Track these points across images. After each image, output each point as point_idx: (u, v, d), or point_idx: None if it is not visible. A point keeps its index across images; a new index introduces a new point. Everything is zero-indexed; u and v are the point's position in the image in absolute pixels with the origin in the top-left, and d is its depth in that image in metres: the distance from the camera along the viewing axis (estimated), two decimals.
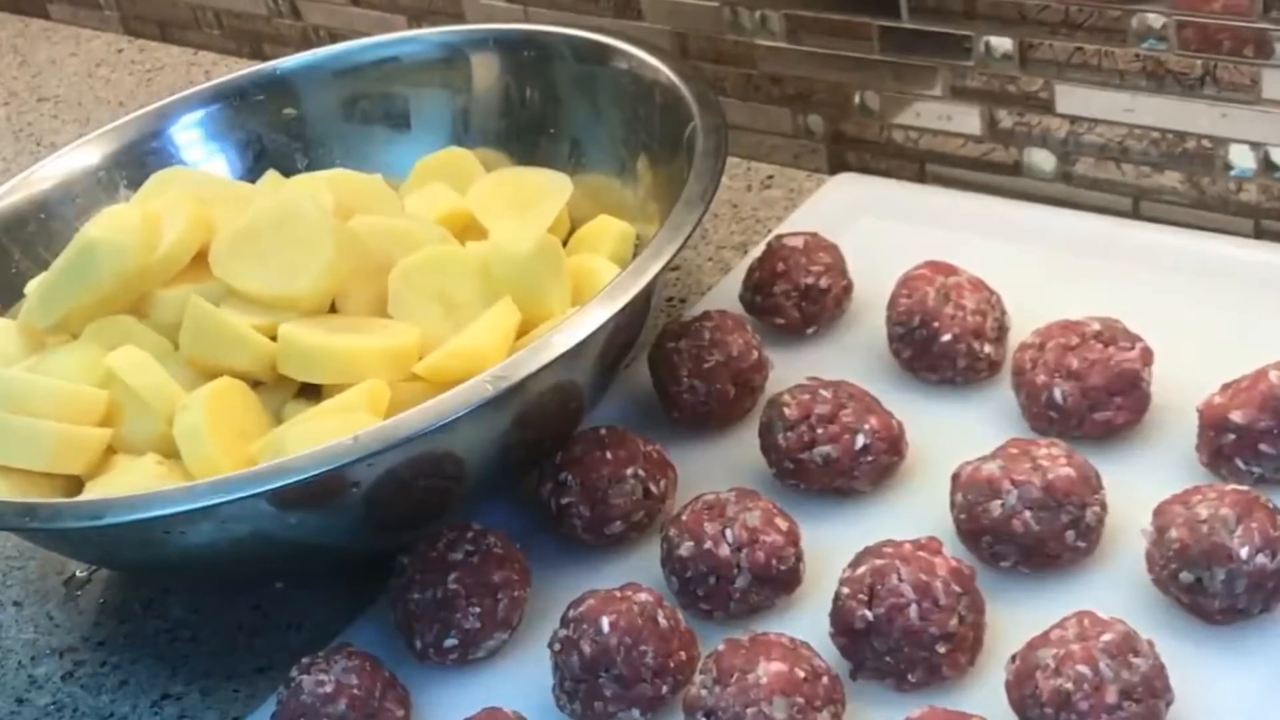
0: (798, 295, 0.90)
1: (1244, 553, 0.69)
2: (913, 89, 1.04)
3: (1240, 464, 0.75)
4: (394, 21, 1.28)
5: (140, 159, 1.02)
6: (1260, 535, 0.69)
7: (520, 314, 0.85)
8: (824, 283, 0.90)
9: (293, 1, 1.35)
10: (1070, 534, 0.74)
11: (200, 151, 1.05)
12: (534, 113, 1.03)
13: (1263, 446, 0.75)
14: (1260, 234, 0.96)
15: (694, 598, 0.77)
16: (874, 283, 0.91)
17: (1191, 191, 0.97)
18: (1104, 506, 0.75)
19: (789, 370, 0.86)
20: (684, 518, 0.77)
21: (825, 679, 0.69)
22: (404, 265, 0.87)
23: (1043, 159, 1.01)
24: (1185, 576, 0.70)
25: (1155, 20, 0.92)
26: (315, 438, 0.75)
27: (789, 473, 0.81)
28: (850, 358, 0.89)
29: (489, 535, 0.79)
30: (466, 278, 0.87)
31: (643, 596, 0.73)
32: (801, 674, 0.68)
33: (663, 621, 0.72)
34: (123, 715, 0.83)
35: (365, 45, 1.08)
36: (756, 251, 0.94)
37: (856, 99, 1.07)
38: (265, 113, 1.05)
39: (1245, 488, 0.72)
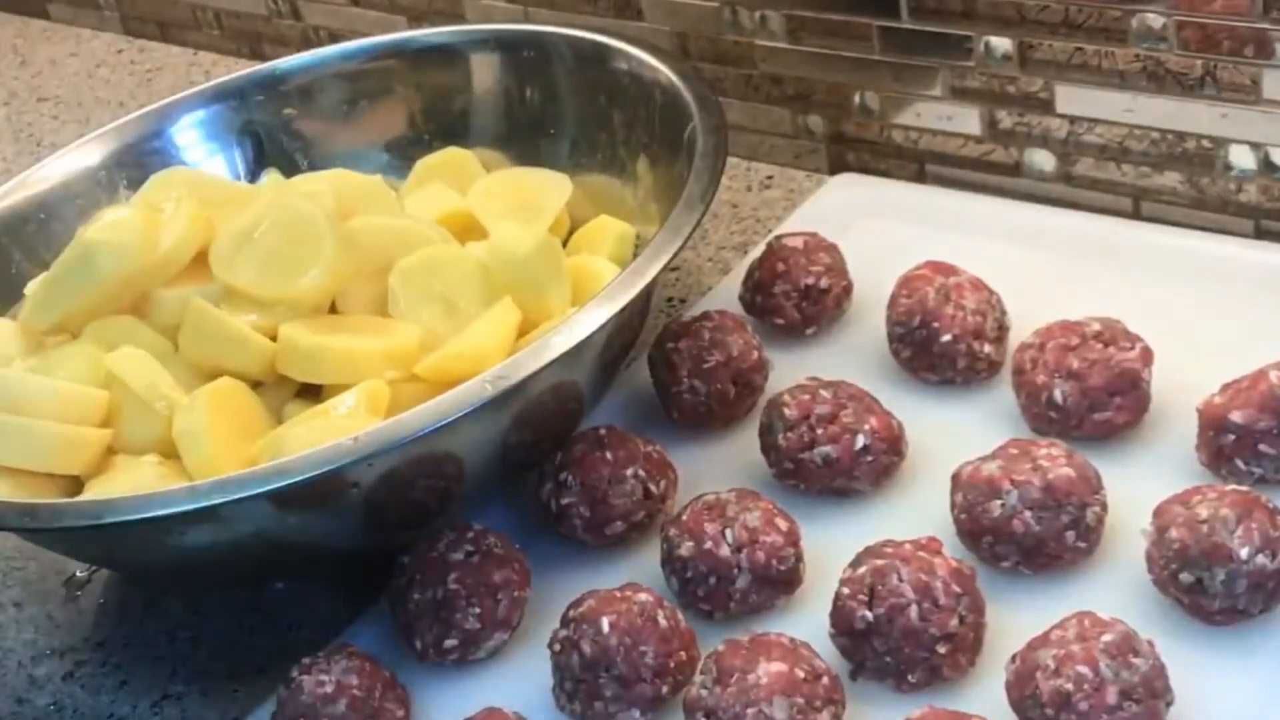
0: (798, 295, 0.90)
1: (1244, 553, 0.69)
2: (913, 89, 1.04)
3: (1240, 464, 0.75)
4: (394, 21, 1.28)
5: (140, 159, 1.02)
6: (1260, 535, 0.69)
7: (520, 314, 0.85)
8: (824, 283, 0.91)
9: (293, 2, 1.35)
10: (1070, 534, 0.74)
11: (200, 151, 1.05)
12: (534, 113, 1.03)
13: (1263, 447, 0.75)
14: (1260, 234, 0.96)
15: (694, 598, 0.77)
16: (874, 283, 0.91)
17: (1191, 191, 0.97)
18: (1104, 507, 0.75)
19: (789, 370, 0.86)
20: (684, 518, 0.77)
21: (825, 679, 0.69)
22: (404, 265, 0.87)
23: (1043, 159, 1.01)
24: (1185, 577, 0.70)
25: (1155, 20, 0.92)
26: (315, 438, 0.75)
27: (789, 473, 0.81)
28: (850, 358, 0.89)
29: (489, 535, 0.79)
30: (466, 278, 0.87)
31: (643, 596, 0.73)
32: (801, 674, 0.68)
33: (663, 621, 0.72)
34: (123, 715, 0.83)
35: (365, 45, 1.08)
36: (756, 252, 0.94)
37: (856, 99, 1.07)
38: (265, 113, 1.05)
39: (1245, 488, 0.72)
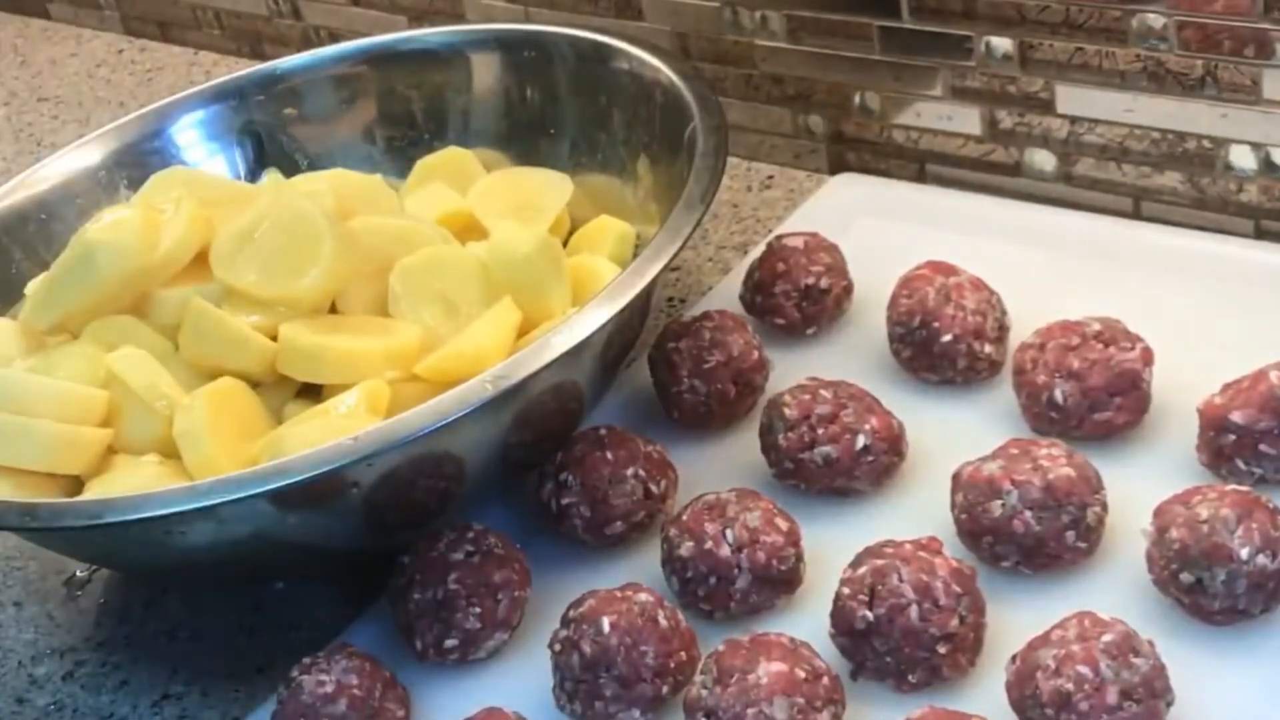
0: (798, 295, 0.90)
1: (1244, 553, 0.69)
2: (913, 89, 1.04)
3: (1240, 464, 0.75)
4: (394, 21, 1.28)
5: (140, 159, 1.02)
6: (1260, 535, 0.69)
7: (520, 314, 0.85)
8: (824, 283, 0.90)
9: (293, 1, 1.35)
10: (1070, 534, 0.74)
11: (200, 151, 1.05)
12: (534, 113, 1.03)
13: (1263, 447, 0.75)
14: (1260, 234, 0.96)
15: (694, 598, 0.77)
16: (874, 283, 0.91)
17: (1191, 191, 0.97)
18: (1104, 507, 0.75)
19: (789, 370, 0.86)
20: (684, 518, 0.77)
21: (825, 679, 0.69)
22: (404, 265, 0.87)
23: (1043, 159, 1.01)
24: (1185, 577, 0.70)
25: (1155, 20, 0.92)
26: (315, 438, 0.75)
27: (789, 473, 0.81)
28: (850, 358, 0.89)
29: (489, 535, 0.79)
30: (466, 278, 0.87)
31: (643, 596, 0.73)
32: (802, 674, 0.68)
33: (663, 621, 0.72)
34: (123, 715, 0.83)
35: (365, 45, 1.08)
36: (757, 252, 0.94)
37: (856, 99, 1.07)
38: (265, 113, 1.05)
39: (1245, 488, 0.72)
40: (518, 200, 0.96)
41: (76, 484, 0.84)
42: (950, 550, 0.73)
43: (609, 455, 0.81)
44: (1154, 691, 0.66)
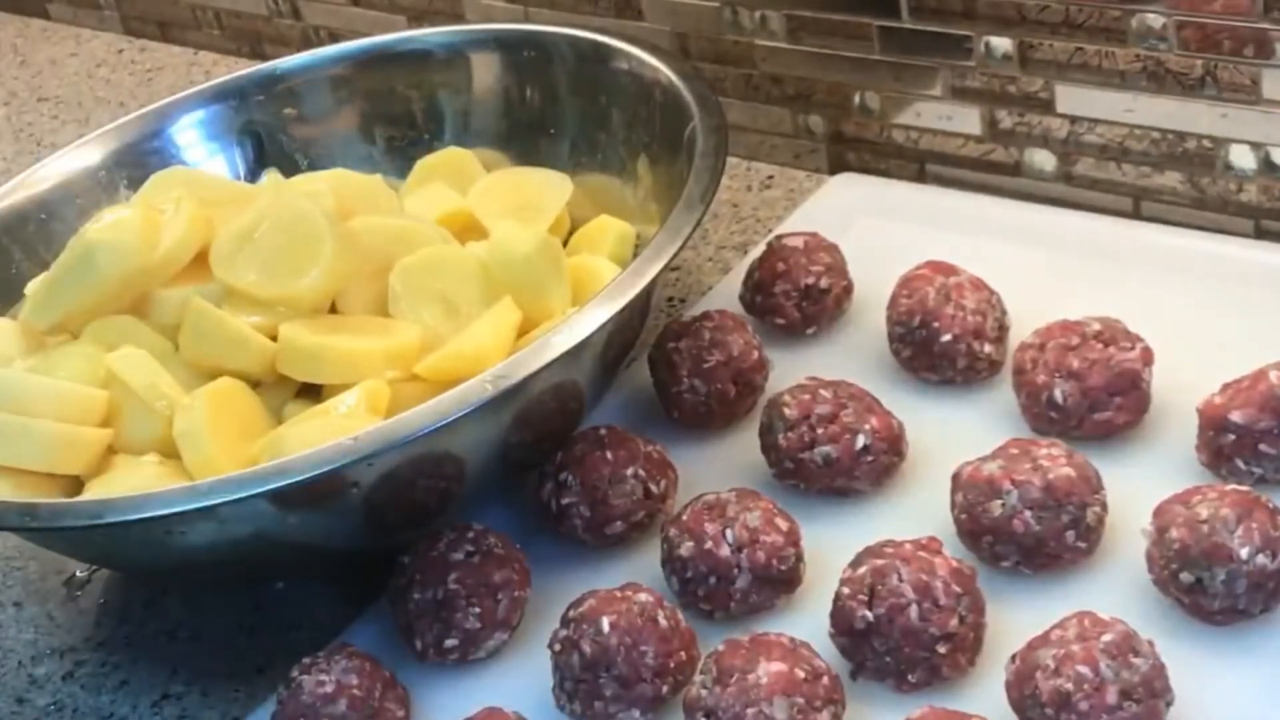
0: (798, 295, 0.90)
1: (1244, 553, 0.69)
2: (913, 89, 1.04)
3: (1240, 464, 0.75)
4: (394, 21, 1.28)
5: (140, 159, 1.02)
6: (1260, 535, 0.69)
7: (520, 314, 0.85)
8: (824, 283, 0.91)
9: (293, 1, 1.35)
10: (1070, 534, 0.74)
11: (200, 151, 1.05)
12: (534, 113, 1.03)
13: (1263, 447, 0.75)
14: (1260, 234, 0.96)
15: (694, 598, 0.77)
16: (874, 283, 0.91)
17: (1191, 191, 0.97)
18: (1104, 506, 0.75)
19: (789, 370, 0.86)
20: (684, 518, 0.77)
21: (825, 679, 0.69)
22: (404, 265, 0.87)
23: (1043, 159, 1.01)
24: (1185, 577, 0.70)
25: (1155, 20, 0.92)
26: (315, 438, 0.75)
27: (789, 473, 0.81)
28: (850, 358, 0.89)
29: (489, 535, 0.79)
30: (466, 278, 0.87)
31: (643, 596, 0.73)
32: (801, 674, 0.68)
33: (663, 621, 0.72)
34: (123, 715, 0.83)
35: (365, 45, 1.08)
36: (756, 251, 0.94)
37: (856, 99, 1.07)
38: (265, 113, 1.05)
39: (1245, 488, 0.72)
40: (518, 200, 0.96)
41: (76, 484, 0.84)
42: (950, 550, 0.73)
43: (609, 455, 0.81)
44: (1154, 691, 0.66)
